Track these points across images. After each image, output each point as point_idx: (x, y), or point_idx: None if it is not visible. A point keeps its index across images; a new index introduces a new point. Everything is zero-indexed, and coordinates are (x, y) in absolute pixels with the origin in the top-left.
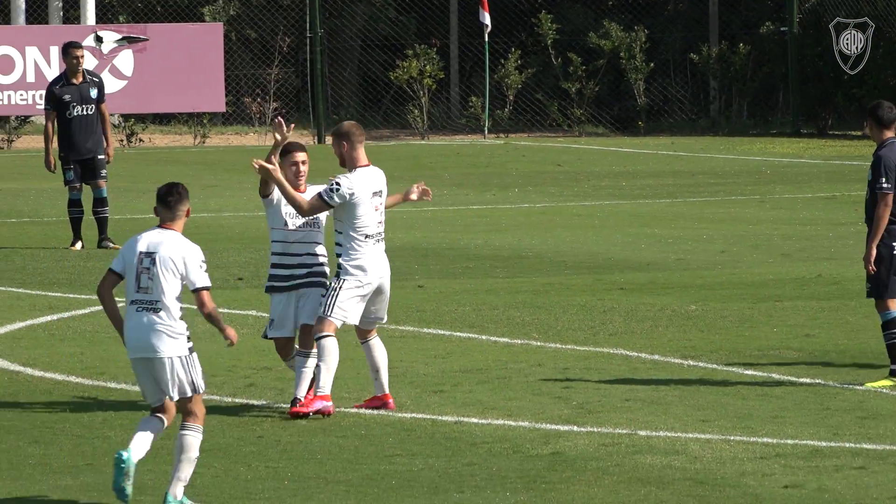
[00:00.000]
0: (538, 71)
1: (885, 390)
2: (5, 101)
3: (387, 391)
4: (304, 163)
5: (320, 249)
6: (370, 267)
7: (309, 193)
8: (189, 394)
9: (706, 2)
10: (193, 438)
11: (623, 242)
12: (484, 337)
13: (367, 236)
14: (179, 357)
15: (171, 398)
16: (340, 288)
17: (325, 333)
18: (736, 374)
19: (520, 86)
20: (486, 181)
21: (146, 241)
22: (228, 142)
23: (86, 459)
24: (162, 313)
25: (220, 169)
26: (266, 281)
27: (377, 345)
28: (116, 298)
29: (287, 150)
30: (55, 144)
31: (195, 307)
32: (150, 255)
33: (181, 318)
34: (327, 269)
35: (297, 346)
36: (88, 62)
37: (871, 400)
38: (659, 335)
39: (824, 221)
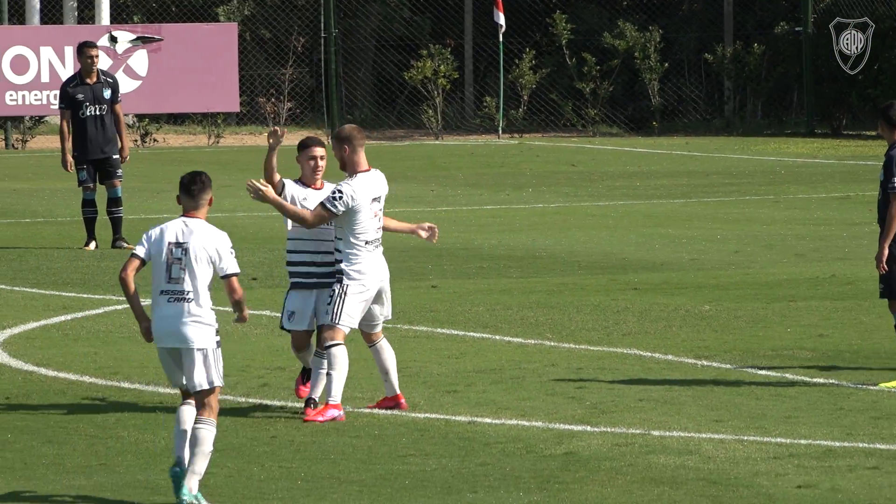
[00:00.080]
0: (552, 71)
1: None
2: (20, 101)
3: (398, 391)
4: (321, 158)
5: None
6: (371, 271)
7: (325, 191)
8: (207, 386)
9: (721, 2)
10: (207, 432)
11: (637, 242)
12: (497, 337)
13: (366, 242)
14: (209, 349)
15: (190, 388)
16: (345, 294)
17: (335, 342)
18: (749, 374)
19: (534, 86)
20: (500, 181)
21: (174, 231)
22: (243, 142)
23: (99, 459)
24: (194, 304)
25: (235, 169)
26: (289, 278)
27: (385, 347)
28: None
29: (305, 145)
30: (70, 144)
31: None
32: (180, 245)
33: (211, 308)
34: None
35: (316, 347)
36: (103, 62)
37: (885, 400)
38: (673, 335)
39: (838, 221)
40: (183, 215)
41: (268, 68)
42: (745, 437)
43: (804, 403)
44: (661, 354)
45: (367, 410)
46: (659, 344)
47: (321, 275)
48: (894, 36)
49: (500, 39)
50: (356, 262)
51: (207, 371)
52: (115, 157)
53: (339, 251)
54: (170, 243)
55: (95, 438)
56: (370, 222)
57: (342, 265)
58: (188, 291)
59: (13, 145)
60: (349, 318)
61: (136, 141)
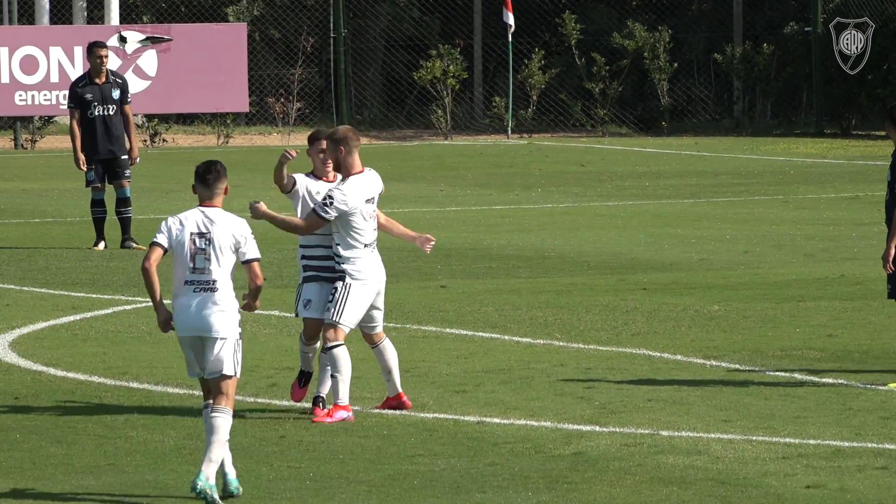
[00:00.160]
0: (562, 71)
1: None
2: (29, 102)
3: (400, 390)
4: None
5: None
6: (371, 272)
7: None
8: (226, 372)
9: (730, 2)
10: (223, 420)
11: (646, 242)
12: (506, 337)
13: (365, 245)
14: (232, 339)
15: (207, 374)
16: (348, 293)
17: (336, 343)
18: (758, 374)
19: (543, 86)
20: (509, 181)
21: (194, 221)
22: (252, 142)
23: (108, 459)
24: (220, 293)
25: (244, 169)
26: (302, 272)
27: (388, 347)
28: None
29: (315, 138)
30: (80, 143)
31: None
32: (203, 235)
33: (234, 298)
34: None
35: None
36: (112, 62)
37: (894, 400)
38: (682, 335)
39: (848, 221)
40: (200, 205)
41: (277, 68)
42: (754, 438)
43: (813, 403)
44: (670, 354)
45: (376, 411)
46: (668, 344)
47: (332, 269)
48: None
49: (510, 39)
50: (357, 263)
51: (228, 358)
52: (123, 157)
53: (339, 255)
54: (192, 234)
55: (104, 438)
56: (366, 224)
57: (344, 266)
58: (214, 281)
59: (22, 145)
60: (350, 317)
61: (145, 141)
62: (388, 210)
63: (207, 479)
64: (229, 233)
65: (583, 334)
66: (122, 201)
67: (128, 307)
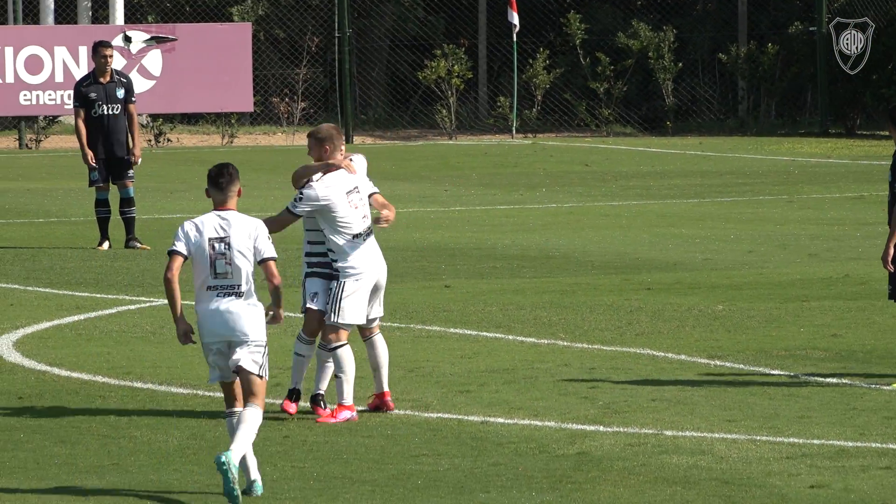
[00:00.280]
0: (566, 71)
1: None
2: (34, 101)
3: (385, 388)
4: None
5: None
6: (365, 264)
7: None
8: (256, 371)
9: (735, 2)
10: (253, 412)
11: (650, 242)
12: (510, 337)
13: (354, 236)
14: (261, 341)
15: (239, 371)
16: (342, 293)
17: (339, 343)
18: (762, 374)
19: (548, 86)
20: (513, 181)
21: (211, 226)
22: (256, 142)
23: (112, 459)
24: (244, 297)
25: (248, 169)
26: (306, 268)
27: (379, 342)
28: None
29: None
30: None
31: None
32: (222, 240)
33: (258, 300)
34: None
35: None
36: (117, 62)
37: None
38: (686, 335)
39: (852, 221)
40: (215, 209)
41: (282, 68)
42: (758, 437)
43: (817, 403)
44: (674, 354)
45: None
46: (672, 344)
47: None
48: None
49: (514, 39)
50: (349, 257)
51: (258, 359)
52: (127, 157)
53: (331, 250)
54: (210, 239)
55: (108, 438)
56: (352, 215)
57: (336, 264)
58: (237, 285)
59: (27, 145)
60: (349, 316)
61: (149, 141)
62: None
63: (232, 459)
64: (245, 234)
65: (587, 334)
66: (126, 201)
67: (132, 307)
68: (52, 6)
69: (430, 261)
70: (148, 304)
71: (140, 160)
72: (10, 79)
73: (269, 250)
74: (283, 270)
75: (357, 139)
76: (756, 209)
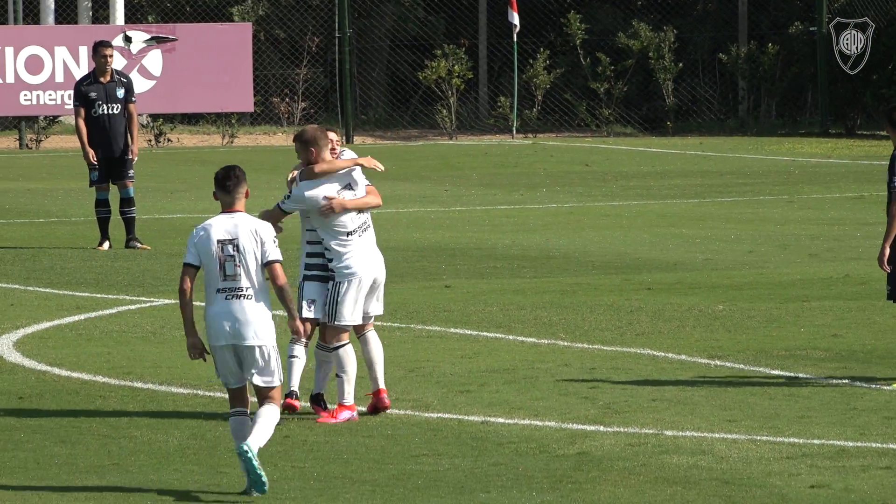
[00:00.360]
0: (567, 71)
1: None
2: (34, 101)
3: (381, 386)
4: (336, 141)
5: None
6: (361, 262)
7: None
8: (272, 384)
9: (735, 2)
10: (270, 409)
11: (651, 242)
12: (511, 337)
13: (349, 233)
14: (269, 346)
15: (254, 383)
16: (338, 293)
17: (340, 343)
18: (763, 374)
19: (548, 86)
20: (513, 181)
21: (219, 229)
22: (257, 142)
23: (112, 459)
24: (253, 299)
25: (249, 169)
26: (303, 270)
27: (373, 338)
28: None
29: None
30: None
31: None
32: (230, 242)
33: (268, 303)
34: None
35: (319, 340)
36: (117, 62)
37: None
38: (686, 335)
39: (852, 221)
40: (223, 211)
41: (282, 68)
42: (758, 437)
43: (817, 403)
44: (675, 354)
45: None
46: (672, 344)
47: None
48: None
49: (515, 39)
50: (344, 256)
51: (269, 369)
52: (127, 157)
53: (327, 250)
54: (219, 241)
55: (108, 438)
56: (344, 212)
57: (331, 265)
58: (246, 287)
59: (27, 145)
60: (347, 315)
61: (149, 141)
62: (392, 210)
63: (251, 448)
64: (252, 236)
65: (587, 334)
66: (126, 201)
67: (132, 307)
68: (52, 6)
69: (430, 261)
70: (148, 305)
71: (136, 158)
72: (10, 79)
73: (274, 253)
74: (284, 271)
75: (357, 139)
76: (756, 209)
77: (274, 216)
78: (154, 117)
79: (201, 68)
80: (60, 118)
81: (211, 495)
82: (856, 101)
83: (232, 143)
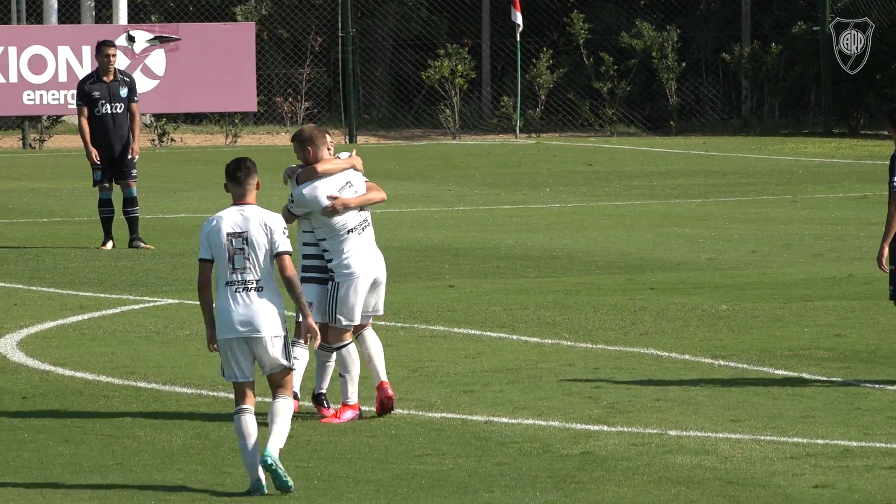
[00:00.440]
0: (570, 71)
1: None
2: (37, 101)
3: (383, 378)
4: (331, 142)
5: None
6: (361, 261)
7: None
8: (285, 365)
9: (738, 1)
10: (285, 404)
11: (654, 242)
12: (514, 336)
13: (349, 231)
14: (281, 336)
15: (265, 371)
16: (338, 292)
17: (341, 343)
18: (766, 373)
19: (551, 85)
20: (517, 181)
21: (229, 221)
22: (260, 141)
23: (116, 459)
24: (264, 291)
25: None
26: (300, 272)
27: (370, 335)
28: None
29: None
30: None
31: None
32: (239, 235)
33: (278, 293)
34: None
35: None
36: (120, 61)
37: None
38: (689, 335)
39: (856, 221)
40: (234, 204)
41: (285, 68)
42: (762, 437)
43: (821, 403)
44: (678, 354)
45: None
46: (676, 343)
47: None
48: None
49: (518, 39)
50: (344, 255)
51: (281, 353)
52: (129, 157)
53: (326, 251)
54: (228, 234)
55: (112, 438)
56: (345, 209)
57: (331, 263)
58: (256, 280)
59: (31, 145)
60: (348, 314)
61: (153, 140)
62: (395, 210)
63: (274, 452)
64: (262, 228)
65: (591, 334)
66: (129, 201)
67: (136, 307)
68: (55, 6)
69: (433, 260)
70: (152, 304)
71: (137, 157)
72: (13, 78)
73: (283, 244)
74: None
75: (361, 139)
76: (760, 209)
77: (286, 217)
78: (157, 117)
79: (204, 68)
80: (64, 118)
81: (215, 495)
82: (859, 101)
83: (235, 142)
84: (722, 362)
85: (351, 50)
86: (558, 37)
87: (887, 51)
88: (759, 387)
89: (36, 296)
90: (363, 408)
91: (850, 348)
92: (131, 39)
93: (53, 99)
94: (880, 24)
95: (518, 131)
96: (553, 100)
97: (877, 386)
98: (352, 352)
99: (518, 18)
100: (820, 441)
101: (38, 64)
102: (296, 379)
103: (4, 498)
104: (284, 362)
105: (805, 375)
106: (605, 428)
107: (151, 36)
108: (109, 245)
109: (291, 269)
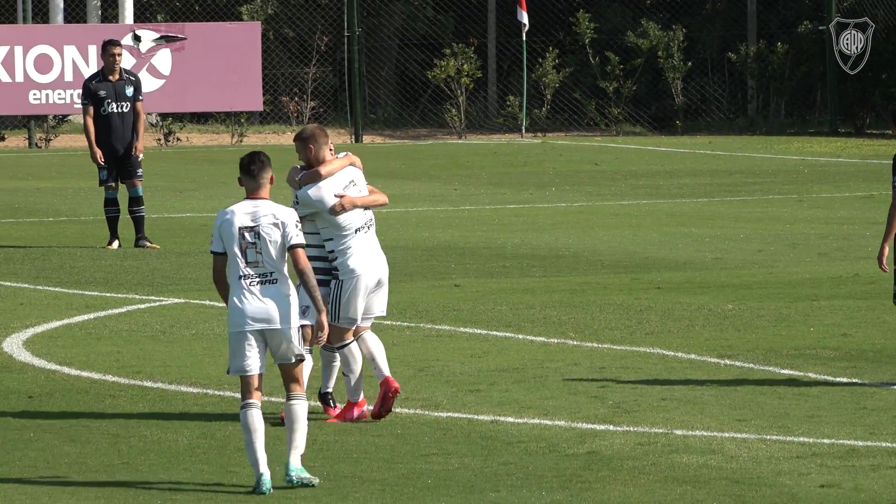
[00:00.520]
0: (576, 70)
1: None
2: (43, 100)
3: (387, 374)
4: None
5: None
6: (366, 261)
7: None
8: (298, 358)
9: (744, 1)
10: (301, 407)
11: (660, 241)
12: (520, 336)
13: (357, 230)
14: (297, 327)
15: (278, 361)
16: (340, 292)
17: (343, 343)
18: (772, 373)
19: (557, 85)
20: (523, 180)
21: (242, 215)
22: (266, 141)
23: (122, 458)
24: (278, 283)
25: None
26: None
27: (370, 336)
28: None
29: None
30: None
31: None
32: (251, 229)
33: (291, 284)
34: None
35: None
36: (127, 61)
37: None
38: (695, 334)
39: (862, 220)
40: (247, 197)
41: (291, 67)
42: (768, 437)
43: (827, 403)
44: (684, 353)
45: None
46: (682, 343)
47: (327, 270)
48: None
49: (524, 38)
50: (349, 254)
51: (297, 342)
52: (135, 155)
53: (332, 251)
54: (241, 228)
55: (118, 437)
56: (350, 210)
57: (337, 262)
58: (269, 273)
59: (37, 144)
60: (349, 314)
61: (159, 140)
62: (401, 209)
63: (296, 466)
64: (275, 222)
65: (597, 333)
66: (135, 200)
67: (142, 306)
68: (61, 5)
69: (439, 260)
70: (158, 304)
71: (142, 155)
72: (19, 78)
73: (297, 237)
74: (290, 270)
75: (367, 138)
76: (766, 208)
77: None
78: (163, 116)
79: (210, 67)
80: (70, 117)
81: (221, 494)
82: (865, 101)
83: (241, 142)
84: (728, 362)
85: (357, 49)
86: (564, 36)
87: (893, 50)
88: (765, 386)
89: (42, 295)
90: (368, 406)
91: (856, 348)
92: (137, 39)
93: (59, 98)
94: (887, 23)
95: (524, 131)
96: (559, 99)
97: (883, 385)
98: (353, 350)
99: (524, 18)
100: (826, 440)
101: (43, 63)
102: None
103: (11, 497)
104: (300, 351)
105: (811, 375)
106: (611, 427)
107: (157, 35)
108: (115, 244)
109: (305, 261)
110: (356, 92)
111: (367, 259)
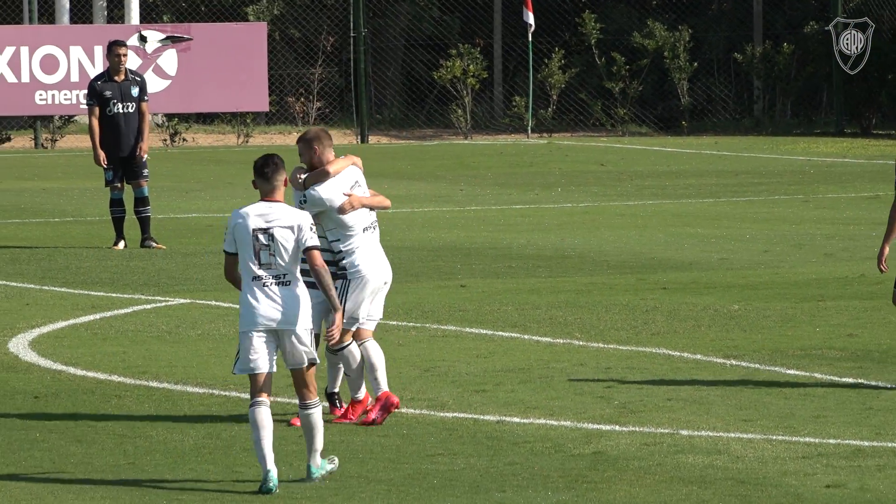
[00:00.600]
0: (582, 70)
1: None
2: (49, 101)
3: (385, 388)
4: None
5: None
6: (373, 261)
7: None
8: (310, 362)
9: (750, 1)
10: (317, 414)
11: (666, 242)
12: (526, 336)
13: (364, 229)
14: (309, 329)
15: (290, 366)
16: (347, 292)
17: (342, 345)
18: (778, 373)
19: (563, 85)
20: (529, 181)
21: (256, 217)
22: (272, 141)
23: (128, 458)
24: (291, 285)
25: None
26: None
27: (372, 346)
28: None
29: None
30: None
31: None
32: (265, 231)
33: (304, 287)
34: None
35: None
36: (132, 62)
37: None
38: (701, 335)
39: (868, 221)
40: (262, 199)
41: (297, 68)
42: (774, 437)
43: (833, 403)
44: (690, 354)
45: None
46: (687, 343)
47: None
48: None
49: (530, 39)
50: (358, 253)
51: (307, 347)
52: (140, 156)
53: (338, 251)
54: (254, 230)
55: (124, 438)
56: (356, 210)
57: (344, 262)
58: (283, 275)
59: (43, 144)
60: (353, 315)
61: (165, 140)
62: (407, 209)
63: (317, 466)
64: (289, 224)
65: (602, 334)
66: (141, 201)
67: (147, 306)
68: (67, 6)
69: (445, 260)
70: (164, 304)
71: (146, 155)
72: (25, 78)
73: (311, 239)
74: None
75: (372, 139)
76: (772, 209)
77: None
78: (169, 117)
79: (216, 68)
80: (76, 118)
81: (227, 494)
82: (871, 101)
83: (247, 142)
84: (734, 362)
85: (363, 50)
86: (570, 37)
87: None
88: (771, 387)
89: (48, 295)
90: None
91: (861, 348)
92: (143, 39)
93: (65, 99)
94: (893, 24)
95: (530, 131)
96: (565, 100)
97: (889, 386)
98: (353, 351)
99: (530, 18)
100: (832, 441)
101: (50, 64)
102: None
103: (16, 497)
104: (311, 355)
105: (817, 375)
106: (617, 428)
107: (163, 36)
108: (121, 245)
109: (321, 261)
110: (362, 92)
111: (374, 260)
